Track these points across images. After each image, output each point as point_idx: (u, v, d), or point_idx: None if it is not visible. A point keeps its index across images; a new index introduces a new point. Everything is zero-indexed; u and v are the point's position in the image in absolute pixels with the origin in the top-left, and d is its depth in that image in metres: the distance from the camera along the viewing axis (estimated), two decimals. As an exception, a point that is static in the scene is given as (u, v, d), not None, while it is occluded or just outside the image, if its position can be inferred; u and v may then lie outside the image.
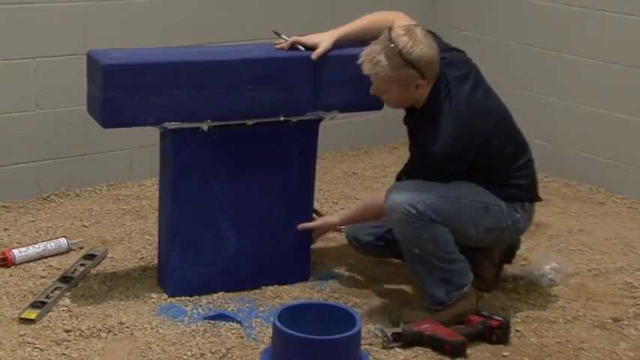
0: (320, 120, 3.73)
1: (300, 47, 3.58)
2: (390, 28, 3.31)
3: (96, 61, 3.42)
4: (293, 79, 3.61)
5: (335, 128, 5.14)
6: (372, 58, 3.29)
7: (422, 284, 3.44)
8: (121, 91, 3.37)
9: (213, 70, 3.52)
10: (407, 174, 3.49)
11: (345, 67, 3.57)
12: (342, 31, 3.59)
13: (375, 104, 3.68)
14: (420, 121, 3.43)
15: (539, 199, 3.63)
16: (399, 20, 3.52)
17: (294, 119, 3.66)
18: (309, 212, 3.80)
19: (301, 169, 3.73)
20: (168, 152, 3.56)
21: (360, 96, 3.61)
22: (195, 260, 3.62)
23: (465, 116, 3.36)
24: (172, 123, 3.46)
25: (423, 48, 3.26)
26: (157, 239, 3.93)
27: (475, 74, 3.47)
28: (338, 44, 3.57)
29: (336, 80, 3.65)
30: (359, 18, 3.62)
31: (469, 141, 3.35)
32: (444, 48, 3.44)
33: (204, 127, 3.52)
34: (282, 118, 3.63)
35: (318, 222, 3.75)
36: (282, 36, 3.61)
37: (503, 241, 3.64)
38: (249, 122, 3.59)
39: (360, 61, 3.32)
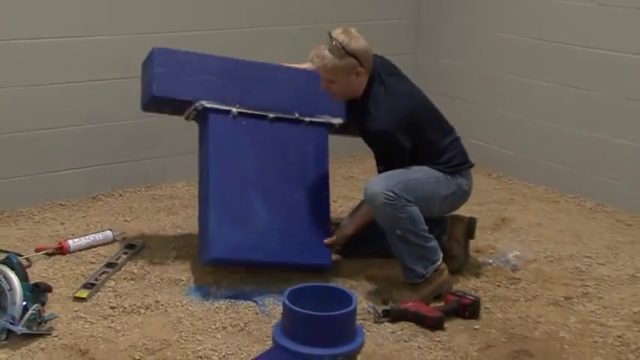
0: (329, 125, 3.79)
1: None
2: (329, 32, 3.45)
3: (150, 52, 3.65)
4: (307, 87, 3.71)
5: (334, 139, 5.14)
6: (319, 54, 3.43)
7: (404, 261, 3.45)
8: (168, 67, 3.58)
9: (241, 67, 3.71)
10: (379, 163, 3.56)
11: None
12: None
13: None
14: (361, 108, 3.52)
15: (472, 165, 3.70)
16: None
17: (307, 119, 3.74)
18: (327, 205, 3.72)
19: (316, 165, 3.74)
20: (205, 130, 3.60)
21: None
22: (231, 226, 3.46)
23: (398, 96, 3.51)
24: (207, 102, 3.55)
25: (358, 41, 3.43)
26: (186, 231, 3.95)
27: (401, 74, 3.65)
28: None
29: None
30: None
31: (406, 114, 3.48)
32: (376, 57, 3.57)
33: (234, 110, 3.61)
34: (297, 115, 3.71)
35: (338, 234, 3.64)
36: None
37: (458, 205, 3.70)
38: (271, 115, 3.67)
39: (309, 58, 3.47)
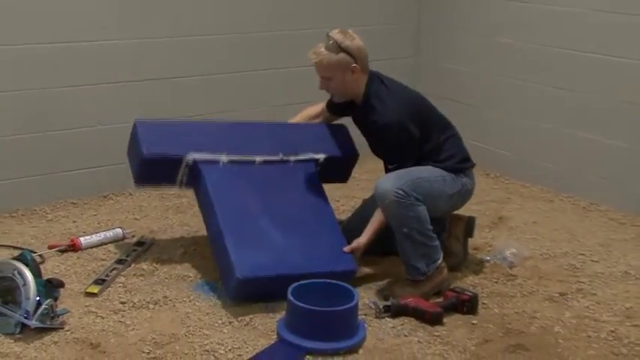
0: (315, 160, 3.78)
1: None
2: (327, 33, 3.51)
3: (133, 125, 3.64)
4: (287, 134, 3.83)
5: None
6: (316, 51, 3.49)
7: (407, 259, 3.45)
8: (153, 133, 3.60)
9: (221, 126, 3.82)
10: (389, 162, 3.54)
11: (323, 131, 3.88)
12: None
13: (348, 151, 3.88)
14: (365, 107, 3.55)
15: (474, 165, 3.72)
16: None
17: (292, 158, 3.74)
18: (334, 219, 3.67)
19: (312, 190, 3.72)
20: (201, 182, 3.54)
21: (336, 147, 3.85)
22: (249, 250, 3.34)
23: (400, 91, 3.59)
24: (197, 154, 3.54)
25: (353, 40, 3.49)
26: (193, 229, 3.95)
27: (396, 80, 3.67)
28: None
29: (319, 136, 3.85)
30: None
31: (412, 103, 3.56)
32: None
33: (224, 158, 3.60)
34: (281, 156, 3.71)
35: (353, 245, 3.53)
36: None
37: (462, 203, 3.70)
38: (258, 159, 3.67)
39: (308, 57, 3.51)
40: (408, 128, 3.47)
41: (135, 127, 3.63)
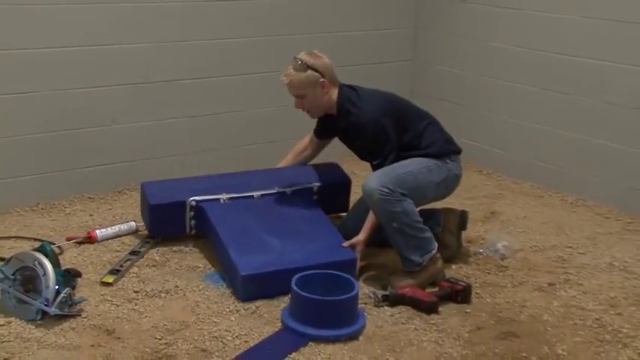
0: (310, 189, 3.87)
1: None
2: (294, 56, 3.59)
3: (140, 186, 3.87)
4: (280, 174, 3.95)
5: (337, 140, 5.16)
6: (286, 73, 3.58)
7: (401, 252, 3.46)
8: (158, 188, 3.81)
9: (221, 177, 3.97)
10: (372, 160, 3.55)
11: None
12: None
13: (340, 179, 4.00)
14: (340, 115, 3.60)
15: (460, 150, 3.71)
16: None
17: (288, 190, 3.83)
18: (331, 224, 3.69)
19: (309, 208, 3.78)
20: (205, 218, 3.66)
21: (328, 176, 3.96)
22: (251, 254, 3.38)
23: (371, 92, 3.64)
24: (198, 196, 3.71)
25: (318, 58, 3.59)
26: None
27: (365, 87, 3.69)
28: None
29: (312, 172, 3.97)
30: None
31: (385, 99, 3.60)
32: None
33: (224, 196, 3.74)
34: (277, 189, 3.81)
35: (352, 241, 3.53)
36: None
37: (452, 189, 3.69)
38: (256, 194, 3.78)
39: (280, 79, 3.59)
40: (383, 124, 3.49)
41: (142, 187, 3.83)
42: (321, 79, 3.55)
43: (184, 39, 4.54)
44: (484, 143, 4.95)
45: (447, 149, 3.63)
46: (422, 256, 3.44)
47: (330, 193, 3.90)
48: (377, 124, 3.48)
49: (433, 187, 3.55)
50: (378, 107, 3.53)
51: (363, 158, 3.69)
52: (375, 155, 3.53)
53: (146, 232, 3.92)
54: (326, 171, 4.00)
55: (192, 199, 3.71)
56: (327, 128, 3.84)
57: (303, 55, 3.58)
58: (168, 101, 4.57)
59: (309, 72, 3.54)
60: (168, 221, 3.75)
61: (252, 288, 3.31)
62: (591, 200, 4.57)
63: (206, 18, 4.58)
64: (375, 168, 3.53)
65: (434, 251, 3.48)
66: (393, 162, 3.50)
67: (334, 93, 3.61)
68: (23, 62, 4.08)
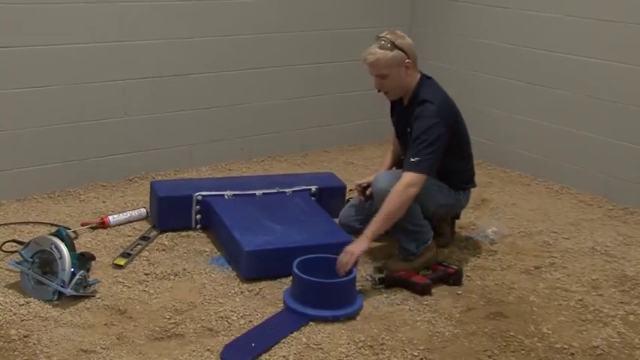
0: (308, 190, 3.90)
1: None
2: (376, 35, 3.38)
3: (150, 185, 3.91)
4: (281, 178, 4.07)
5: (337, 130, 5.16)
6: (371, 52, 3.34)
7: (400, 242, 3.44)
8: (167, 185, 3.91)
9: (226, 179, 4.12)
10: (410, 152, 3.29)
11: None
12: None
13: (336, 184, 4.01)
14: (412, 102, 3.39)
15: (475, 186, 3.67)
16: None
17: (287, 190, 3.87)
18: (329, 217, 3.67)
19: (308, 205, 3.78)
20: (211, 211, 3.70)
21: (325, 181, 4.01)
22: (254, 236, 3.38)
23: (443, 97, 3.42)
24: (204, 192, 3.76)
25: (403, 38, 3.36)
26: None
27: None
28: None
29: (310, 177, 4.06)
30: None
31: (454, 126, 3.39)
32: None
33: (228, 193, 3.79)
34: (278, 189, 3.86)
35: (355, 254, 3.21)
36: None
37: (451, 213, 3.69)
38: (258, 192, 3.82)
39: (362, 59, 3.36)
40: (441, 133, 3.27)
41: (152, 185, 3.87)
42: (407, 60, 3.32)
43: (194, 36, 4.51)
44: (475, 134, 4.85)
45: (465, 186, 3.60)
46: (418, 247, 3.43)
47: (326, 195, 3.92)
48: (438, 128, 3.27)
49: (435, 206, 3.46)
50: (448, 117, 3.35)
51: (404, 148, 3.49)
52: (417, 149, 3.25)
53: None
54: (323, 177, 4.09)
55: (198, 193, 3.74)
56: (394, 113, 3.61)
57: (388, 35, 3.34)
58: (177, 94, 4.55)
59: (396, 51, 3.29)
60: (175, 214, 3.76)
61: (255, 265, 3.31)
62: (575, 188, 4.56)
63: (214, 16, 4.56)
64: (404, 163, 3.35)
65: (429, 241, 3.46)
66: (429, 171, 3.27)
67: (415, 76, 3.39)
68: (43, 57, 4.06)
